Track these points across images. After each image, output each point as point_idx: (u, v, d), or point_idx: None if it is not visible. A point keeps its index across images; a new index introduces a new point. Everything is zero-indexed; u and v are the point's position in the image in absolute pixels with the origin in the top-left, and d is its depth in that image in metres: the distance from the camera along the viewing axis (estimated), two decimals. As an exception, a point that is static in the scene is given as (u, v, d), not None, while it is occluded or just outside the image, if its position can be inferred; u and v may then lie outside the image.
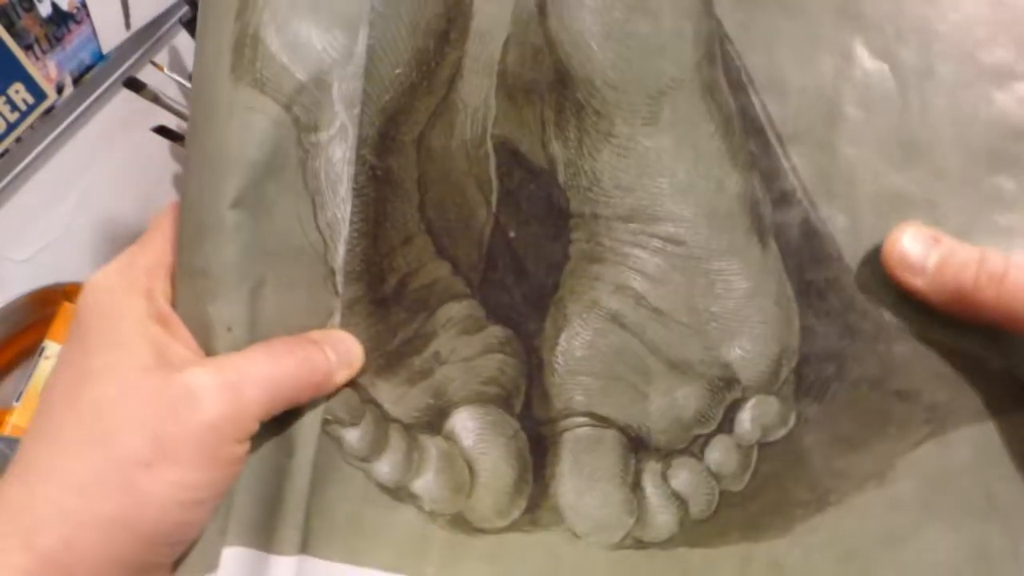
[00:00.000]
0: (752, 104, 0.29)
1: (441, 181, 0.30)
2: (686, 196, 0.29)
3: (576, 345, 0.30)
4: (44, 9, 0.78)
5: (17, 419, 0.75)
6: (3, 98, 0.76)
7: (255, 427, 0.28)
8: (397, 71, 0.29)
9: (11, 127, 0.77)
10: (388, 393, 0.30)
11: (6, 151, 0.78)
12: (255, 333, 0.29)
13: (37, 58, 0.78)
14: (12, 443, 0.72)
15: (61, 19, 0.80)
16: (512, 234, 0.30)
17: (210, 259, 0.28)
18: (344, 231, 0.30)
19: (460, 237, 0.30)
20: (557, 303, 0.30)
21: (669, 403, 0.29)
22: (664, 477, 0.29)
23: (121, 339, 0.27)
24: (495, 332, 0.30)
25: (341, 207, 0.30)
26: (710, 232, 0.29)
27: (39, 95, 0.80)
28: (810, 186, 0.29)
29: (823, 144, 0.28)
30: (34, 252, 0.86)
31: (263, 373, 0.28)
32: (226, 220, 0.28)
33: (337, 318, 0.30)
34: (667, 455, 0.30)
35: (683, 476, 0.29)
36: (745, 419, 0.29)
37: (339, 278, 0.30)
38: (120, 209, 0.98)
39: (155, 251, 0.29)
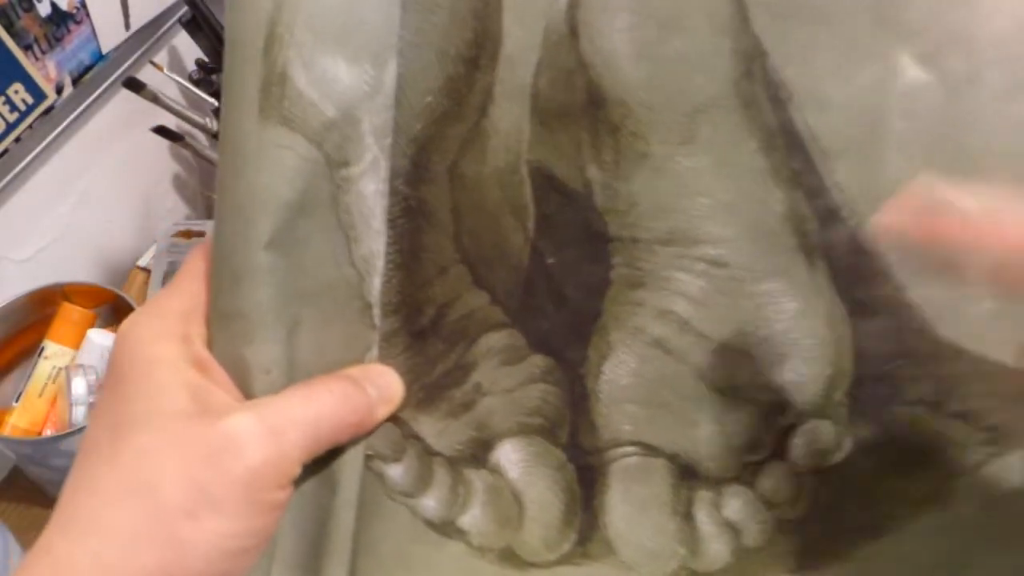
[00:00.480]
0: (793, 120, 0.28)
1: (476, 209, 0.29)
2: (728, 216, 0.28)
3: (621, 373, 0.29)
4: (44, 9, 0.77)
5: (17, 419, 0.75)
6: (2, 98, 0.75)
7: (298, 470, 0.27)
8: (428, 99, 0.28)
9: (11, 127, 0.77)
10: (430, 427, 0.30)
11: (6, 151, 0.77)
12: (293, 373, 0.29)
13: (36, 58, 0.77)
14: (12, 443, 0.71)
15: (61, 19, 0.79)
16: (550, 260, 0.29)
17: (245, 301, 0.28)
18: (379, 264, 0.29)
19: (497, 265, 0.29)
20: (600, 330, 0.29)
21: (718, 430, 0.29)
22: (716, 506, 0.29)
23: (159, 386, 0.27)
24: (537, 361, 0.29)
25: (376, 240, 0.29)
26: (754, 253, 0.28)
27: (38, 95, 0.79)
28: (857, 202, 0.27)
29: (869, 158, 0.27)
30: (34, 252, 0.85)
31: (304, 415, 0.27)
32: (260, 262, 0.27)
33: (375, 352, 0.30)
34: (718, 483, 0.29)
35: (735, 505, 0.29)
36: (798, 444, 0.28)
37: (376, 311, 0.29)
38: (120, 209, 0.97)
39: (188, 295, 0.29)
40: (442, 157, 0.29)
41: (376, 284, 0.29)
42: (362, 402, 0.28)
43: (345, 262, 0.29)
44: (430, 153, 0.29)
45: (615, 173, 0.28)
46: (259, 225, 0.27)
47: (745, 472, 0.29)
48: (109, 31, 0.86)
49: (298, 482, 0.28)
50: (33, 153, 0.80)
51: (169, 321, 0.28)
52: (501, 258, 0.29)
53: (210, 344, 0.29)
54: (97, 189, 0.92)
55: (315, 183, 0.28)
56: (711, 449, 0.29)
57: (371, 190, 0.29)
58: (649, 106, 0.28)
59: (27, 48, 0.76)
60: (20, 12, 0.74)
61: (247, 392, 0.28)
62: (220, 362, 0.28)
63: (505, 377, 0.29)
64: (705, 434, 0.29)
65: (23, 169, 0.80)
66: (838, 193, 0.28)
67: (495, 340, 0.30)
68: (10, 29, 0.73)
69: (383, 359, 0.29)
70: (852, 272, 0.28)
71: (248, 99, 0.27)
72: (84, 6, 0.81)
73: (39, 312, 0.79)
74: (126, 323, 0.28)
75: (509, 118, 0.29)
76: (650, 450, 0.29)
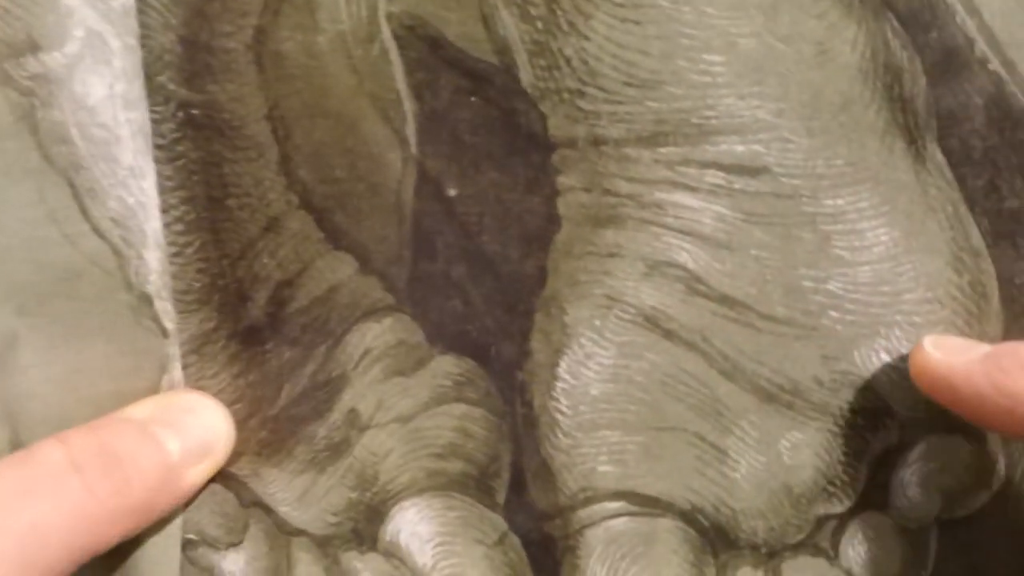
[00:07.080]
0: None
1: (312, 112, 0.17)
2: (761, 80, 0.17)
3: (590, 377, 0.18)
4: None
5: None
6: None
7: None
8: None
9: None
10: (283, 487, 0.19)
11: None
12: (15, 430, 0.17)
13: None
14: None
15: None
16: (451, 192, 0.18)
17: None
18: (151, 226, 0.17)
19: (363, 207, 0.18)
20: (547, 305, 0.18)
21: (766, 463, 0.18)
22: None
23: None
24: (446, 366, 0.19)
25: (134, 185, 0.17)
26: (813, 143, 0.17)
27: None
28: (1003, 34, 0.17)
29: None
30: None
31: (16, 526, 0.15)
32: None
33: (177, 372, 0.18)
34: (772, 555, 0.18)
35: None
36: (910, 482, 0.18)
37: (160, 306, 0.17)
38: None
39: None
40: (236, 24, 0.17)
41: (152, 261, 0.17)
42: (151, 465, 0.17)
43: (80, 229, 0.17)
44: (211, 19, 0.17)
45: (551, 22, 0.17)
46: None
47: (819, 534, 0.18)
48: None
49: None
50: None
51: None
52: (368, 194, 0.18)
53: None
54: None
55: None
56: (755, 498, 0.18)
57: (100, 95, 0.16)
58: None
59: None
60: None
61: None
62: None
63: (397, 396, 0.19)
64: (743, 472, 0.18)
65: None
66: (966, 19, 0.17)
67: (374, 335, 0.19)
68: None
69: (192, 382, 0.18)
70: (997, 160, 0.17)
71: None
72: None
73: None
74: None
75: None
76: (648, 504, 0.18)
